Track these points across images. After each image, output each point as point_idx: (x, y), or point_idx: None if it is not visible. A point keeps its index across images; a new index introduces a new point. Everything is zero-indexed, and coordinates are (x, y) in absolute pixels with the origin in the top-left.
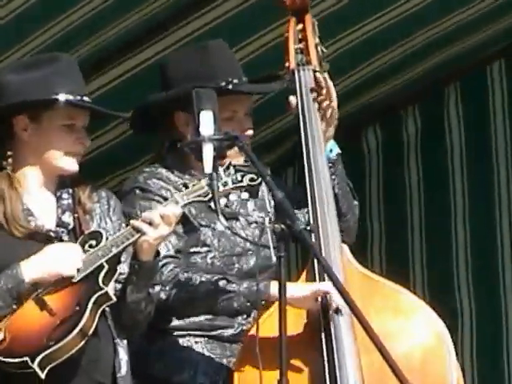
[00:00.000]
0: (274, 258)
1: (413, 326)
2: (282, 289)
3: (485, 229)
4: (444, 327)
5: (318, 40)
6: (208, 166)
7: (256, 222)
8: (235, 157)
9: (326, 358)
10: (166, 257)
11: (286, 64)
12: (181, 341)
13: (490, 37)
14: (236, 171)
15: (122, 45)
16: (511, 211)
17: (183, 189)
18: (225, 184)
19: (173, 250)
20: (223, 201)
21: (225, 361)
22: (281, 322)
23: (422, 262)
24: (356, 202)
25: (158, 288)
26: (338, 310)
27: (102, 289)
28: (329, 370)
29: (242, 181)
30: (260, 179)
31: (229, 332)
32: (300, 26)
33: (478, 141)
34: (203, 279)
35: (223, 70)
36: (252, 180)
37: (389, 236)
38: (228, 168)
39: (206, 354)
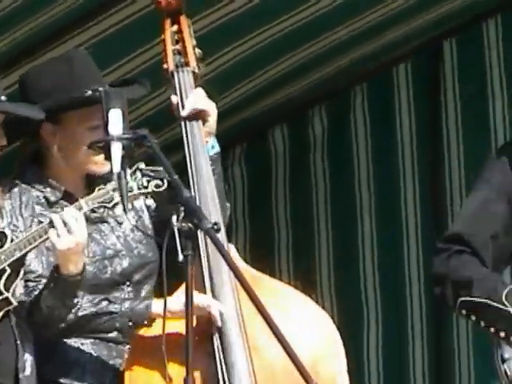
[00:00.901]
0: (181, 257)
1: (303, 326)
2: (188, 289)
3: (391, 227)
4: (334, 327)
5: (194, 41)
6: (116, 164)
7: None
8: None
9: (218, 360)
10: (40, 276)
11: (165, 66)
12: (68, 342)
13: (396, 39)
14: (143, 175)
15: (43, 37)
16: (417, 209)
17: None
18: (130, 190)
19: (47, 269)
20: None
21: (111, 362)
22: (188, 323)
23: (329, 259)
24: (228, 204)
25: (76, 300)
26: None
27: (2, 294)
28: (221, 372)
29: (147, 187)
30: (165, 185)
31: (114, 334)
32: (176, 28)
33: (384, 141)
34: (85, 300)
35: (89, 80)
36: (157, 186)
37: (295, 236)
38: (135, 172)
39: (94, 354)
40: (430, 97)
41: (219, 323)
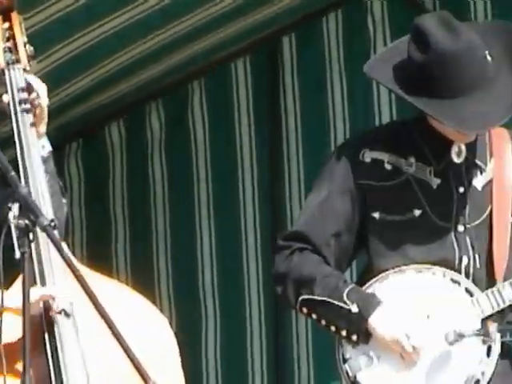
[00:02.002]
0: (18, 254)
1: (137, 325)
2: (24, 286)
3: (230, 227)
4: (169, 327)
5: (26, 39)
6: None
7: None
8: None
9: (51, 363)
10: None
11: None
12: None
13: (234, 35)
14: None
15: None
16: (256, 210)
17: None
18: None
19: None
20: None
21: None
22: (24, 324)
23: (167, 259)
24: (65, 200)
25: None
26: (63, 313)
27: None
28: (54, 375)
29: None
30: None
31: None
32: (7, 25)
33: (222, 138)
34: None
35: None
36: None
37: (133, 234)
38: None
39: None
40: (269, 93)
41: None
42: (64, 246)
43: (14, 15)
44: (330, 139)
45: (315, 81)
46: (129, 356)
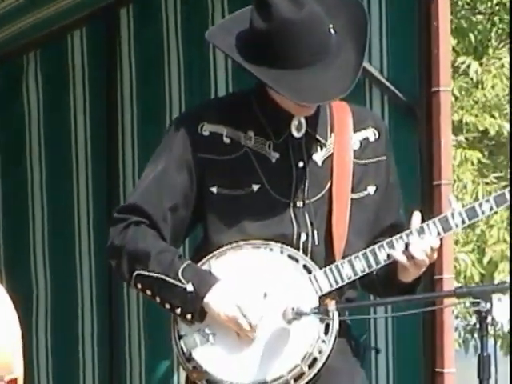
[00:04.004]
0: None
1: None
2: None
3: (63, 200)
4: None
5: None
6: None
7: None
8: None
9: None
10: None
11: None
12: None
13: (70, 6)
14: None
15: None
16: (89, 183)
17: None
18: None
19: None
20: None
21: None
22: None
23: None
24: None
25: None
26: None
27: None
28: None
29: None
30: None
31: None
32: None
33: (56, 111)
34: None
35: None
36: None
37: None
38: None
39: None
40: (106, 65)
41: None
42: None
43: None
44: (165, 112)
45: (152, 54)
46: None
